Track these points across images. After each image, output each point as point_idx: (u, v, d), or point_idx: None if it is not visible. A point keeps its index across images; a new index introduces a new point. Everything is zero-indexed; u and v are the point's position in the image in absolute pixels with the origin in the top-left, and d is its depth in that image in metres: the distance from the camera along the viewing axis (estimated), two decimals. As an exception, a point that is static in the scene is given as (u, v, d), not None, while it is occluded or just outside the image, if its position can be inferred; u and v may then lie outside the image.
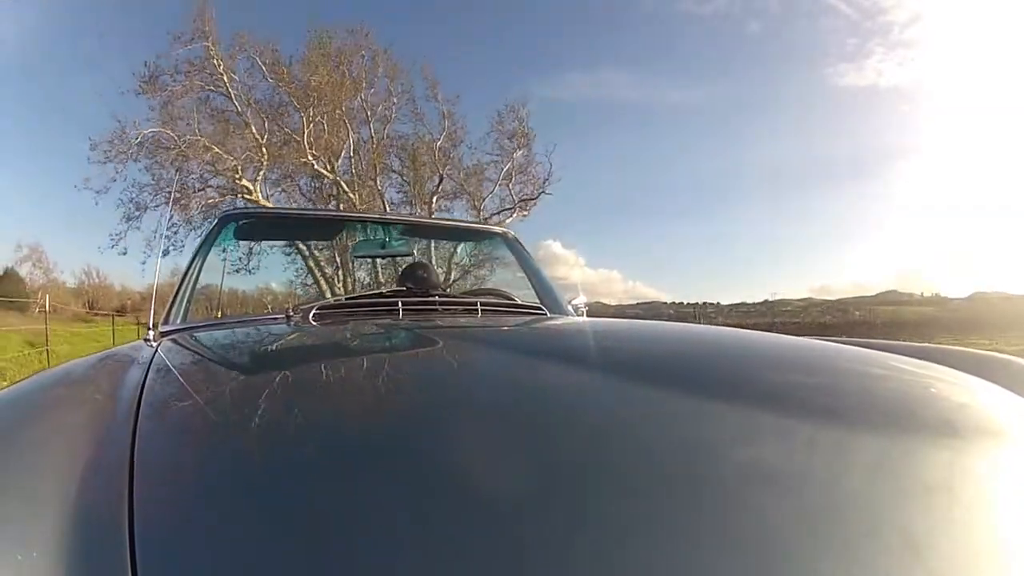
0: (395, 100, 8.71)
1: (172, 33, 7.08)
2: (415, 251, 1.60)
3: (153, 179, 7.11)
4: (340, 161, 8.57)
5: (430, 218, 1.60)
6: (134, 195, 7.07)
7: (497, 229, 1.64)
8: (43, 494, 0.31)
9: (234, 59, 7.40)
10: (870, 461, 0.35)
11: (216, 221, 1.41)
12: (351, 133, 8.48)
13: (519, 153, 9.28)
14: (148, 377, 0.50)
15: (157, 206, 7.22)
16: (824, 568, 0.26)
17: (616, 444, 0.35)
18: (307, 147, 7.76)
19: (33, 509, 0.30)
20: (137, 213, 7.08)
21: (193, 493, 0.31)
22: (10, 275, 19.21)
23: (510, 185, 9.37)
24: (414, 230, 1.58)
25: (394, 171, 9.27)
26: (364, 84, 8.30)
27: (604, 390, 0.45)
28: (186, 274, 1.31)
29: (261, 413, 0.43)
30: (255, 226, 1.60)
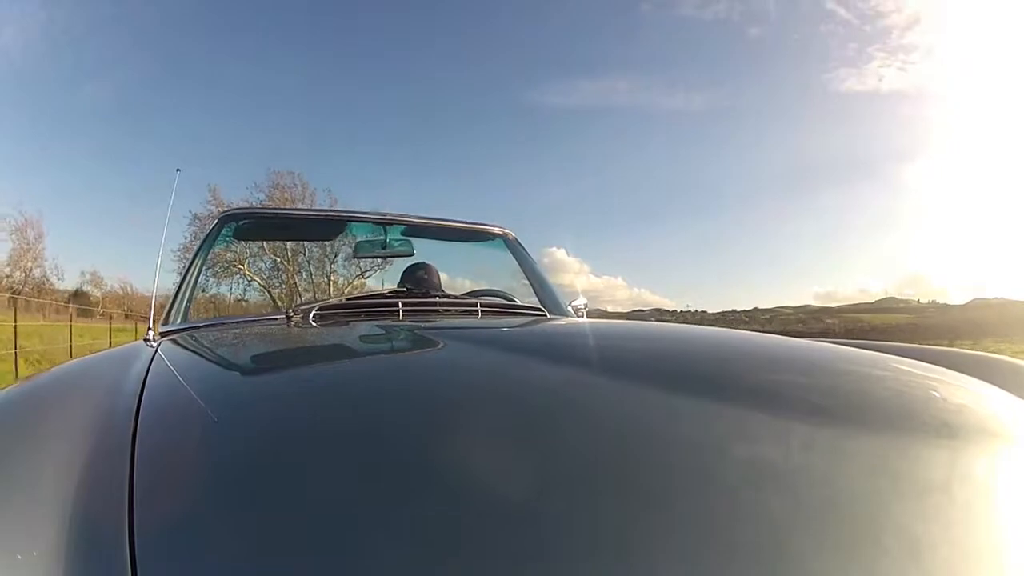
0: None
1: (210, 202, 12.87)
2: (414, 251, 1.60)
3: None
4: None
5: (429, 218, 1.59)
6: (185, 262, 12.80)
7: (497, 229, 1.64)
8: (43, 494, 0.31)
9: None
10: (869, 462, 0.35)
11: (216, 221, 1.41)
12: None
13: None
14: (148, 377, 0.50)
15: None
16: (823, 568, 0.26)
17: (616, 445, 0.35)
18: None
19: (33, 509, 0.30)
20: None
21: (193, 493, 0.31)
22: (81, 293, 29.41)
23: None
24: (413, 230, 1.58)
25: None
26: (297, 201, 15.49)
27: (604, 391, 0.45)
28: (186, 274, 1.31)
29: (261, 413, 0.43)
30: (256, 226, 1.60)
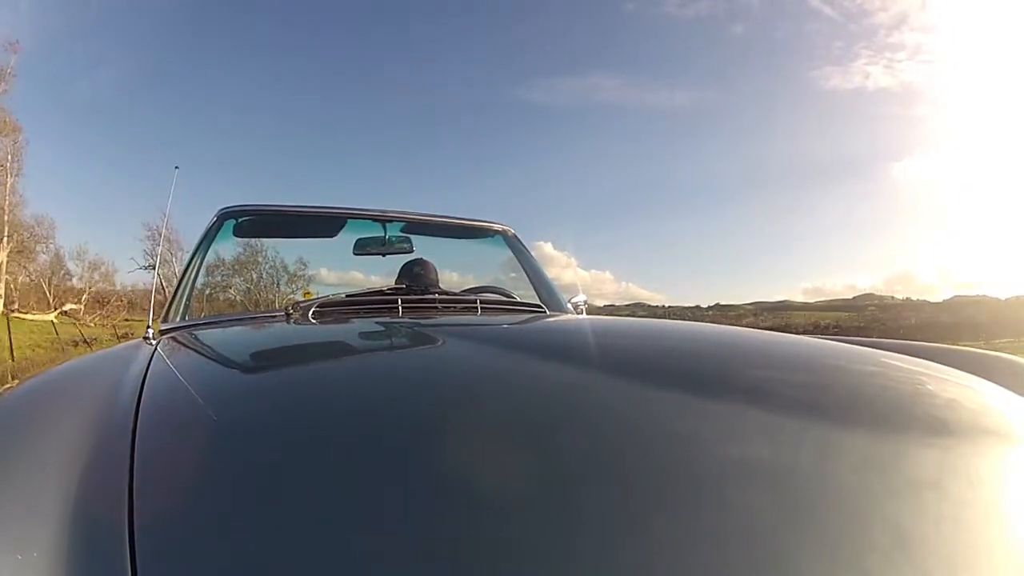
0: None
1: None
2: (414, 248, 1.60)
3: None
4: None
5: (429, 215, 1.59)
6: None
7: (497, 227, 1.64)
8: (43, 494, 0.31)
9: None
10: (863, 458, 0.35)
11: (215, 218, 1.40)
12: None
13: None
14: (148, 376, 0.50)
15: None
16: (815, 563, 0.26)
17: (614, 441, 0.36)
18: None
19: (33, 509, 0.30)
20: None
21: (193, 492, 0.31)
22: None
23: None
24: (413, 227, 1.58)
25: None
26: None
27: (602, 387, 0.45)
28: (186, 272, 1.31)
29: (261, 412, 0.44)
30: (255, 223, 1.59)
